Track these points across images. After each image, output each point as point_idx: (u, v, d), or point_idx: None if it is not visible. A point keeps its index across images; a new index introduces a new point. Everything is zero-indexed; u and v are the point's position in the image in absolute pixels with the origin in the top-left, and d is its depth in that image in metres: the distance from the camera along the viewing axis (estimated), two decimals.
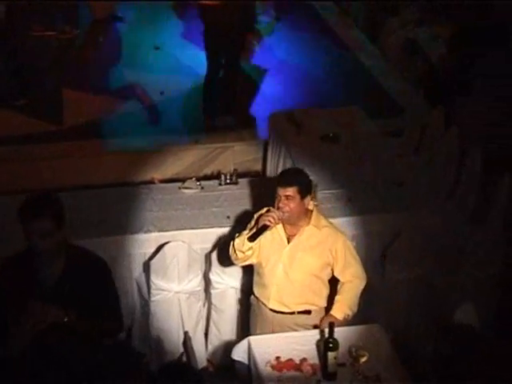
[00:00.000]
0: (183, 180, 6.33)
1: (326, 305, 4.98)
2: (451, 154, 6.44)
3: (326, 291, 4.96)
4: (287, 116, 7.18)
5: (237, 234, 4.80)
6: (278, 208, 4.66)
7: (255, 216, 4.83)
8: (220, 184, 6.21)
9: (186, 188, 6.11)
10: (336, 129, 6.92)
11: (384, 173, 6.37)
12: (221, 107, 8.23)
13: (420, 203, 6.02)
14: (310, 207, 4.83)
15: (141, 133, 8.09)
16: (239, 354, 4.80)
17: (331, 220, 5.75)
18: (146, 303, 5.69)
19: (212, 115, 8.25)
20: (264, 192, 6.10)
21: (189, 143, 7.90)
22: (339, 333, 4.55)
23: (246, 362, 4.78)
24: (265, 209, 4.78)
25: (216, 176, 6.84)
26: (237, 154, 7.84)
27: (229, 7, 7.67)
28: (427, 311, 5.73)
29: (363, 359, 4.54)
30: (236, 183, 6.24)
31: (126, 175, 7.51)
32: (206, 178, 7.28)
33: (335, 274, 4.93)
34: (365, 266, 5.81)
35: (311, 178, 6.11)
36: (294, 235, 4.80)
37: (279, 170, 6.92)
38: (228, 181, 6.24)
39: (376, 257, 5.87)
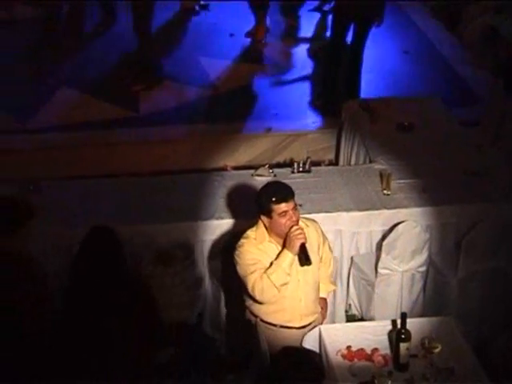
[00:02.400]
0: (256, 167, 6.32)
1: None
2: None
3: None
4: (361, 104, 7.10)
5: (261, 275, 4.43)
6: (293, 222, 4.43)
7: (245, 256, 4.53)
8: (293, 172, 6.19)
9: (259, 175, 6.10)
10: (411, 118, 6.82)
11: (460, 163, 6.25)
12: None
13: (497, 194, 5.89)
14: None
15: (214, 119, 8.11)
16: (310, 342, 4.78)
17: (405, 210, 5.74)
18: (217, 289, 5.72)
19: (332, 100, 8.12)
20: (337, 181, 6.07)
21: (262, 130, 7.90)
22: (412, 324, 4.50)
23: (316, 350, 4.76)
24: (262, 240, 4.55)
25: (289, 164, 6.82)
26: (310, 142, 7.80)
27: None
28: (501, 303, 5.62)
29: (436, 351, 4.48)
30: (309, 171, 6.21)
31: (199, 162, 7.56)
32: (279, 165, 7.27)
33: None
34: (439, 257, 5.78)
35: (386, 167, 6.13)
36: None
37: (353, 159, 6.88)
38: (301, 169, 6.20)
39: (450, 248, 5.79)
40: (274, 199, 4.41)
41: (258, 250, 4.53)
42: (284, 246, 4.47)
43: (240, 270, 4.55)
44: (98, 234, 4.42)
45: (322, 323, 4.88)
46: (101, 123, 8.03)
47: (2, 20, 9.83)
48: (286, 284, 4.49)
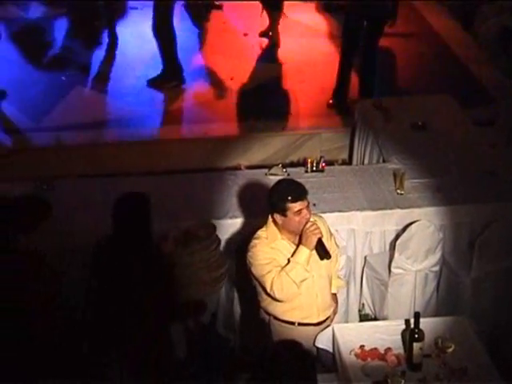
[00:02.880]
0: (269, 166, 6.32)
1: None
2: None
3: None
4: (375, 103, 7.09)
5: (279, 274, 4.45)
6: (307, 219, 4.44)
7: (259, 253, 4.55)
8: (306, 171, 6.18)
9: (273, 174, 6.09)
10: (425, 117, 6.80)
11: (475, 162, 6.23)
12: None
13: None
14: None
15: (228, 119, 8.11)
16: (323, 342, 4.78)
17: (418, 209, 5.73)
18: (231, 288, 5.72)
19: (343, 96, 8.18)
20: (350, 180, 6.06)
21: (275, 130, 7.90)
22: (425, 324, 4.49)
23: (330, 349, 4.76)
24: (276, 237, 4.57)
25: (302, 163, 6.81)
26: (324, 141, 7.79)
27: None
28: None
29: (449, 351, 4.46)
30: (322, 171, 6.20)
31: (212, 161, 7.57)
32: (293, 164, 7.27)
33: None
34: (452, 256, 5.76)
35: (399, 166, 6.12)
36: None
37: (366, 158, 6.86)
38: (314, 168, 6.20)
39: (464, 248, 5.77)
40: (289, 198, 4.41)
41: (270, 249, 4.54)
42: (299, 243, 4.48)
43: (255, 270, 4.55)
44: (132, 199, 4.59)
45: (333, 319, 4.87)
46: (115, 122, 8.05)
47: (17, 18, 9.87)
48: (304, 280, 4.50)
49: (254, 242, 4.58)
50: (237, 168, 7.28)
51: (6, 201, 4.67)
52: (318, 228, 4.44)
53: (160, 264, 4.60)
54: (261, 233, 4.61)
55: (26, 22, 9.90)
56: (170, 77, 8.62)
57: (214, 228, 5.49)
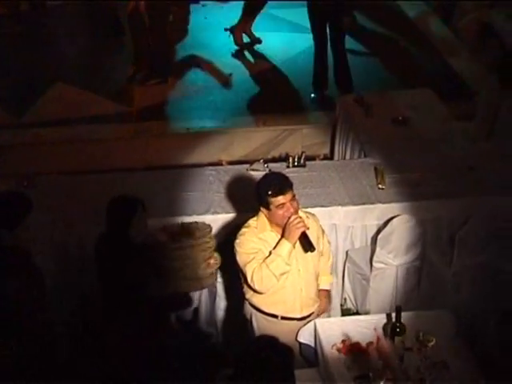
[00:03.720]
0: (251, 162, 6.32)
1: None
2: None
3: None
4: (356, 98, 7.10)
5: (260, 265, 4.46)
6: (291, 213, 4.44)
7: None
8: (288, 166, 6.19)
9: (254, 170, 6.10)
10: (406, 111, 6.83)
11: (455, 157, 6.26)
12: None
13: (491, 188, 5.90)
14: None
15: (208, 114, 8.11)
16: (305, 336, 4.80)
17: (399, 204, 5.75)
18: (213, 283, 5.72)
19: (321, 89, 8.29)
20: (332, 175, 6.07)
21: (256, 125, 7.91)
22: (406, 318, 4.51)
23: (312, 344, 4.78)
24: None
25: (284, 158, 6.82)
26: (305, 137, 7.81)
27: None
28: (493, 297, 5.63)
29: (430, 344, 4.48)
30: (304, 166, 6.21)
31: (193, 156, 7.57)
32: (274, 160, 7.27)
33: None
34: (433, 250, 5.79)
35: (380, 161, 6.14)
36: None
37: (347, 153, 6.88)
38: (296, 163, 6.21)
39: (444, 242, 5.80)
40: (270, 192, 4.43)
41: (258, 239, 4.56)
42: (282, 236, 4.50)
43: (240, 258, 4.57)
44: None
45: (329, 314, 4.89)
46: (95, 118, 8.03)
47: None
48: (285, 273, 4.51)
49: (243, 230, 4.61)
50: (218, 163, 7.28)
51: None
52: (302, 222, 4.44)
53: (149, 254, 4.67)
54: (251, 222, 4.63)
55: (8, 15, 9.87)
56: (155, 73, 8.59)
57: (210, 230, 5.50)
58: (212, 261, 5.39)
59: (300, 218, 4.46)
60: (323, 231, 4.88)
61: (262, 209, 4.53)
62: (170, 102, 8.42)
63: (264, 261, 4.48)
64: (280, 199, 4.43)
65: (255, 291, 4.61)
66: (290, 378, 3.54)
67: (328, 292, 5.00)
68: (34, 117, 8.02)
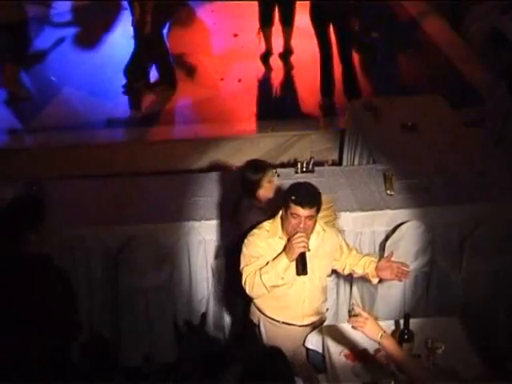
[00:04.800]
0: None
1: None
2: None
3: None
4: (365, 104, 7.09)
5: (256, 271, 4.48)
6: (300, 229, 4.42)
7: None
8: (296, 172, 6.17)
9: None
10: (415, 117, 6.81)
11: (464, 163, 6.23)
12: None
13: (501, 194, 5.87)
14: None
15: (217, 120, 8.10)
16: (313, 342, 4.78)
17: (408, 210, 5.73)
18: (220, 289, 5.71)
19: (329, 96, 8.25)
20: (340, 181, 6.06)
21: (265, 131, 7.90)
22: (415, 324, 4.49)
23: (319, 350, 4.76)
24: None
25: (292, 164, 6.81)
26: (313, 142, 7.79)
27: None
28: (505, 303, 5.61)
29: (439, 351, 4.46)
30: (312, 171, 6.19)
31: (203, 162, 7.57)
32: (283, 165, 7.26)
33: (341, 262, 4.83)
34: (442, 257, 5.76)
35: (389, 167, 6.12)
36: None
37: (356, 159, 6.86)
38: (304, 169, 6.19)
39: (454, 248, 5.76)
40: (293, 198, 4.42)
41: (266, 244, 4.56)
42: (283, 249, 4.49)
43: (242, 257, 4.60)
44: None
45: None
46: (103, 123, 8.04)
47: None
48: (276, 286, 4.51)
49: (255, 231, 4.63)
50: (227, 169, 7.27)
51: (6, 201, 4.64)
52: (305, 242, 4.40)
53: None
54: (266, 224, 4.64)
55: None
56: (160, 80, 8.60)
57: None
58: None
59: (304, 237, 4.41)
60: (342, 247, 4.81)
61: (282, 208, 4.53)
62: (177, 107, 8.41)
63: (260, 269, 4.48)
64: (297, 210, 4.40)
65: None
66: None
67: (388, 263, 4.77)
68: (42, 122, 8.03)
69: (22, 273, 4.31)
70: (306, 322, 4.76)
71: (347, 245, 4.89)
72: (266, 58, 9.12)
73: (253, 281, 4.49)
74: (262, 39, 9.10)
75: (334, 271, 5.13)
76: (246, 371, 3.44)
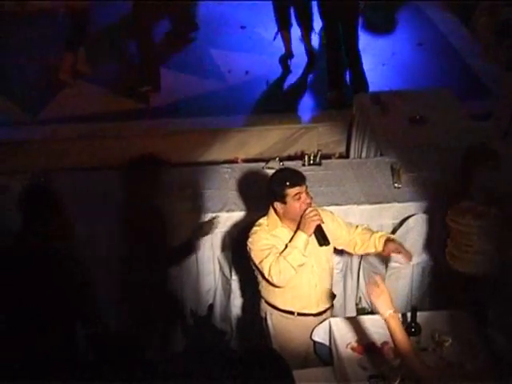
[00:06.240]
0: (267, 160, 6.32)
1: None
2: None
3: None
4: (373, 97, 7.08)
5: (277, 258, 4.48)
6: (307, 205, 4.50)
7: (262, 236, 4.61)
8: (303, 165, 6.17)
9: (270, 168, 6.07)
10: (423, 110, 6.80)
11: None
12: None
13: (509, 188, 5.85)
14: None
15: (224, 112, 8.10)
16: (320, 335, 4.79)
17: (416, 203, 5.72)
18: (227, 281, 5.72)
19: (338, 89, 8.25)
20: (347, 174, 6.05)
21: (272, 123, 7.89)
22: (422, 317, 4.49)
23: (326, 343, 4.77)
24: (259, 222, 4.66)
25: (299, 157, 6.81)
26: (321, 135, 7.79)
27: None
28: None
29: (446, 344, 4.46)
30: (320, 164, 6.19)
31: (209, 154, 7.57)
32: (290, 158, 7.26)
33: (344, 238, 4.86)
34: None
35: (397, 160, 6.11)
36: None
37: (364, 152, 6.86)
38: (311, 162, 6.19)
39: None
40: (287, 183, 4.48)
41: (271, 236, 4.59)
42: (297, 228, 4.52)
43: (254, 256, 4.60)
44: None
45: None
46: (111, 115, 8.05)
47: (15, 12, 9.83)
48: (302, 265, 4.53)
49: (255, 228, 4.65)
50: (234, 161, 7.27)
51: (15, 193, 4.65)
52: (318, 214, 4.48)
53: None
54: (262, 221, 4.68)
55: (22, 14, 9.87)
56: (145, 80, 8.54)
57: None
58: None
59: (316, 210, 4.50)
60: (339, 222, 4.85)
61: (275, 204, 4.55)
62: (186, 99, 8.41)
63: (280, 254, 4.50)
64: (297, 189, 4.48)
65: (273, 285, 4.61)
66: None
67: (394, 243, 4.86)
68: (51, 114, 8.04)
69: (33, 266, 4.31)
70: (321, 309, 4.79)
71: (344, 222, 4.91)
72: (285, 60, 9.00)
73: (278, 267, 4.49)
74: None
75: (342, 255, 5.15)
76: (246, 370, 3.44)
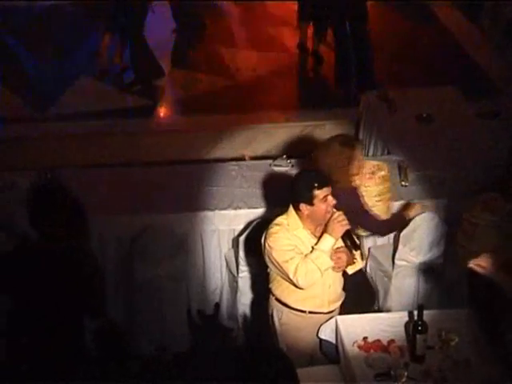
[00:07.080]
0: (274, 157, 6.31)
1: None
2: None
3: None
4: (380, 95, 7.06)
5: (304, 260, 4.47)
6: (332, 207, 4.50)
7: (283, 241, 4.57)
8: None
9: (277, 165, 6.09)
10: (430, 108, 6.78)
11: (479, 155, 6.21)
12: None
13: None
14: None
15: (231, 109, 8.10)
16: (326, 333, 4.78)
17: (423, 201, 5.71)
18: (234, 279, 5.72)
19: (348, 88, 8.25)
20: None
21: (280, 121, 7.89)
22: (429, 316, 4.48)
23: (333, 341, 4.76)
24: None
25: (307, 154, 6.79)
26: (328, 133, 7.76)
27: None
28: None
29: (453, 343, 4.45)
30: None
31: (217, 151, 7.57)
32: (297, 156, 7.24)
33: None
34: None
35: (404, 158, 6.10)
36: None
37: (371, 150, 6.84)
38: None
39: None
40: (316, 185, 4.46)
41: (293, 236, 4.57)
42: (324, 231, 4.52)
43: (276, 255, 4.55)
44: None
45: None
46: (118, 112, 8.05)
47: (21, 8, 9.86)
48: (328, 268, 4.54)
49: (276, 228, 4.59)
50: (241, 159, 7.27)
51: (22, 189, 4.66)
52: (345, 219, 4.48)
53: None
54: (281, 220, 4.63)
55: (33, 11, 9.89)
56: (138, 79, 8.55)
57: None
58: None
59: (343, 215, 4.48)
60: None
61: (301, 206, 4.50)
62: (193, 97, 8.41)
63: (307, 256, 4.49)
64: (325, 191, 4.47)
65: (295, 286, 4.58)
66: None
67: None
68: (58, 111, 8.06)
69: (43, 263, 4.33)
70: (332, 308, 4.79)
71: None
72: (302, 48, 9.07)
73: (304, 269, 4.47)
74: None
75: None
76: (251, 369, 3.44)
